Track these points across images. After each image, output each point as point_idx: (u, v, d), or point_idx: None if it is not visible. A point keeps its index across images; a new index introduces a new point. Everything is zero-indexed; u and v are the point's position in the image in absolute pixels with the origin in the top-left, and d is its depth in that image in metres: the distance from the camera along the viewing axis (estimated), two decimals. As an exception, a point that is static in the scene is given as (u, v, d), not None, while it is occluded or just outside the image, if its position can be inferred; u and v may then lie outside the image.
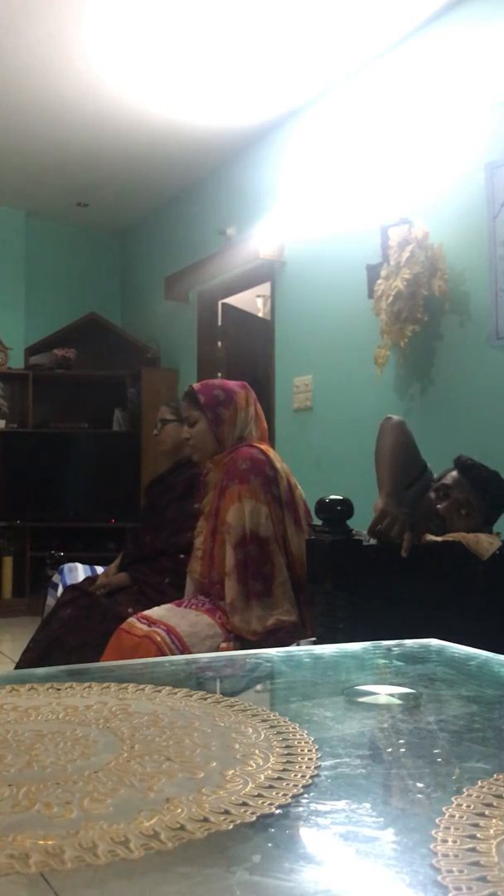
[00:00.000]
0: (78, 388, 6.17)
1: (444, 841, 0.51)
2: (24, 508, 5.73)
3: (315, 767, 0.64)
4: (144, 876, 0.48)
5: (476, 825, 0.53)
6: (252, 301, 6.33)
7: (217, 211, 5.40)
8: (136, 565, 2.90)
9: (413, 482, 2.29)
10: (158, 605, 2.42)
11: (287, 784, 0.60)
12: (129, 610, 2.45)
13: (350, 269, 4.12)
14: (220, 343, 5.57)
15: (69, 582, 3.24)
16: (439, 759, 0.68)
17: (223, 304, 5.58)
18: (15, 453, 5.80)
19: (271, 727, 0.74)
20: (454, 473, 2.32)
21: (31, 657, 2.70)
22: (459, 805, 0.56)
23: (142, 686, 0.87)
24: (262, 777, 0.62)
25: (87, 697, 0.83)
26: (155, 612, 2.34)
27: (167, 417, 3.11)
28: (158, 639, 2.19)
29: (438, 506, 2.28)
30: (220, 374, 5.30)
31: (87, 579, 3.06)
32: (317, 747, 0.69)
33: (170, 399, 3.34)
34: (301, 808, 0.57)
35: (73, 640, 2.62)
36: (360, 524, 2.11)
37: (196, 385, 2.55)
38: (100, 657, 2.27)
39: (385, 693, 0.87)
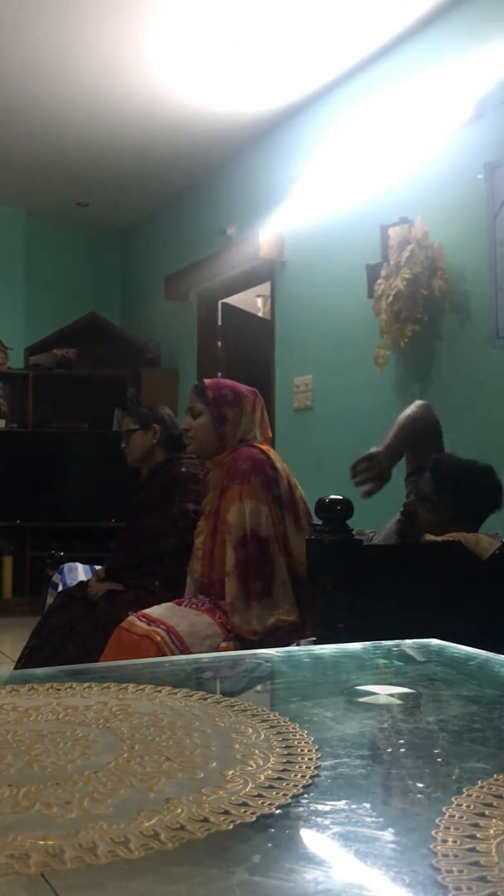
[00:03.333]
0: (78, 388, 6.17)
1: (444, 841, 0.51)
2: (24, 508, 5.73)
3: (315, 768, 0.64)
4: (144, 876, 0.48)
5: (476, 825, 0.53)
6: (252, 301, 6.33)
7: (217, 210, 5.40)
8: (125, 571, 2.88)
9: (420, 469, 2.33)
10: (158, 605, 2.41)
11: (287, 784, 0.60)
12: (130, 612, 2.44)
13: (350, 268, 4.12)
14: (220, 343, 5.57)
15: (69, 582, 3.23)
16: (439, 759, 0.68)
17: (223, 304, 5.58)
18: (15, 453, 5.80)
19: (271, 727, 0.74)
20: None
21: (31, 667, 2.68)
22: (459, 805, 0.56)
23: (142, 686, 0.87)
24: (262, 777, 0.62)
25: (87, 697, 0.83)
26: (155, 610, 2.34)
27: (132, 427, 3.06)
28: (158, 638, 2.19)
29: (406, 500, 2.31)
30: (220, 374, 5.30)
31: (79, 584, 3.04)
32: (317, 747, 0.68)
33: (131, 409, 3.31)
34: (301, 808, 0.57)
35: (74, 648, 2.61)
36: (360, 524, 2.11)
37: (207, 381, 2.56)
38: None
39: (385, 693, 0.87)
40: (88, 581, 2.96)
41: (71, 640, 2.65)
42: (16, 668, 2.83)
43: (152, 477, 3.04)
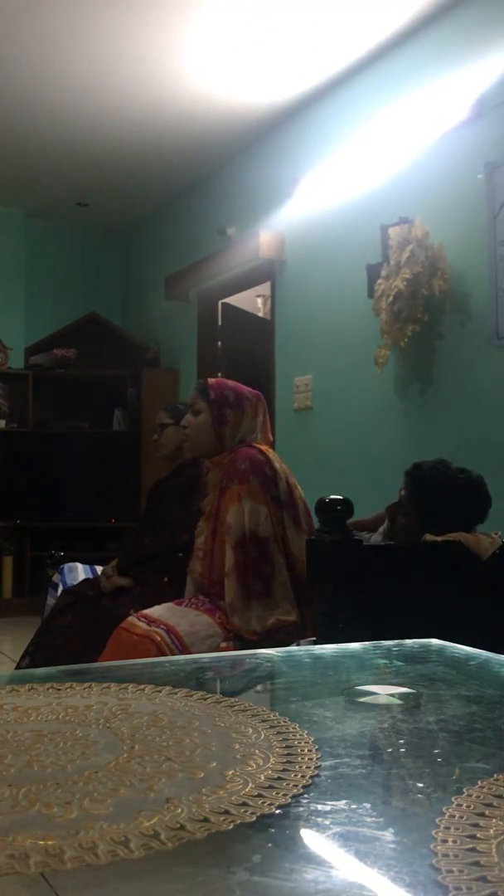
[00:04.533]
0: (78, 388, 6.17)
1: (444, 841, 0.51)
2: (24, 508, 5.73)
3: (315, 767, 0.64)
4: (144, 876, 0.48)
5: (476, 825, 0.53)
6: (252, 301, 6.33)
7: (217, 211, 5.40)
8: (136, 566, 2.90)
9: None
10: (159, 605, 2.42)
11: (287, 784, 0.60)
12: (132, 612, 2.45)
13: (350, 268, 4.12)
14: (220, 343, 5.57)
15: (69, 582, 3.23)
16: (439, 759, 0.68)
17: (223, 304, 5.57)
18: (15, 453, 5.80)
19: (271, 727, 0.74)
20: None
21: (33, 666, 2.68)
22: (459, 805, 0.56)
23: (142, 686, 0.87)
24: (262, 777, 0.62)
25: (87, 697, 0.83)
26: (155, 611, 2.33)
27: (166, 422, 3.12)
28: (158, 638, 2.19)
29: (387, 505, 2.37)
30: (220, 374, 5.30)
31: (83, 582, 3.05)
32: (317, 747, 0.68)
33: (167, 404, 3.36)
34: (301, 808, 0.57)
35: (76, 646, 2.62)
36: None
37: (211, 380, 2.56)
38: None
39: (385, 693, 0.87)
40: (100, 579, 2.97)
41: (76, 638, 2.66)
42: (19, 664, 2.83)
43: (177, 473, 3.07)
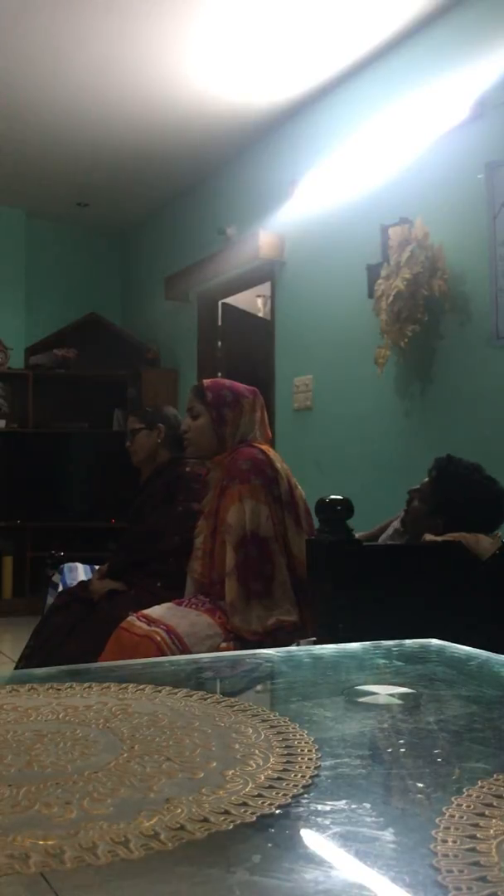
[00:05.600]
0: (78, 388, 6.17)
1: (444, 841, 0.51)
2: (24, 508, 5.73)
3: (315, 767, 0.64)
4: (144, 876, 0.48)
5: (476, 825, 0.53)
6: (252, 301, 6.33)
7: (217, 211, 5.40)
8: (129, 570, 2.88)
9: None
10: (158, 605, 2.41)
11: (287, 784, 0.60)
12: (130, 613, 2.44)
13: (350, 269, 4.12)
14: (220, 343, 5.57)
15: (69, 582, 3.23)
16: (439, 759, 0.68)
17: (223, 304, 5.57)
18: (15, 453, 5.80)
19: (271, 727, 0.74)
20: None
21: (30, 667, 2.68)
22: (459, 805, 0.56)
23: (142, 686, 0.87)
24: (262, 777, 0.62)
25: (87, 697, 0.83)
26: (155, 611, 2.33)
27: (136, 426, 3.07)
28: (158, 638, 2.19)
29: (409, 489, 2.47)
30: (220, 374, 5.30)
31: (80, 584, 3.04)
32: (317, 747, 0.68)
33: (136, 409, 3.33)
34: (301, 808, 0.57)
35: (74, 647, 2.61)
36: (360, 524, 2.11)
37: (206, 381, 2.55)
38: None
39: (385, 693, 0.87)
40: (90, 579, 2.96)
41: (71, 639, 2.65)
42: (16, 667, 2.83)
43: (156, 476, 3.04)
